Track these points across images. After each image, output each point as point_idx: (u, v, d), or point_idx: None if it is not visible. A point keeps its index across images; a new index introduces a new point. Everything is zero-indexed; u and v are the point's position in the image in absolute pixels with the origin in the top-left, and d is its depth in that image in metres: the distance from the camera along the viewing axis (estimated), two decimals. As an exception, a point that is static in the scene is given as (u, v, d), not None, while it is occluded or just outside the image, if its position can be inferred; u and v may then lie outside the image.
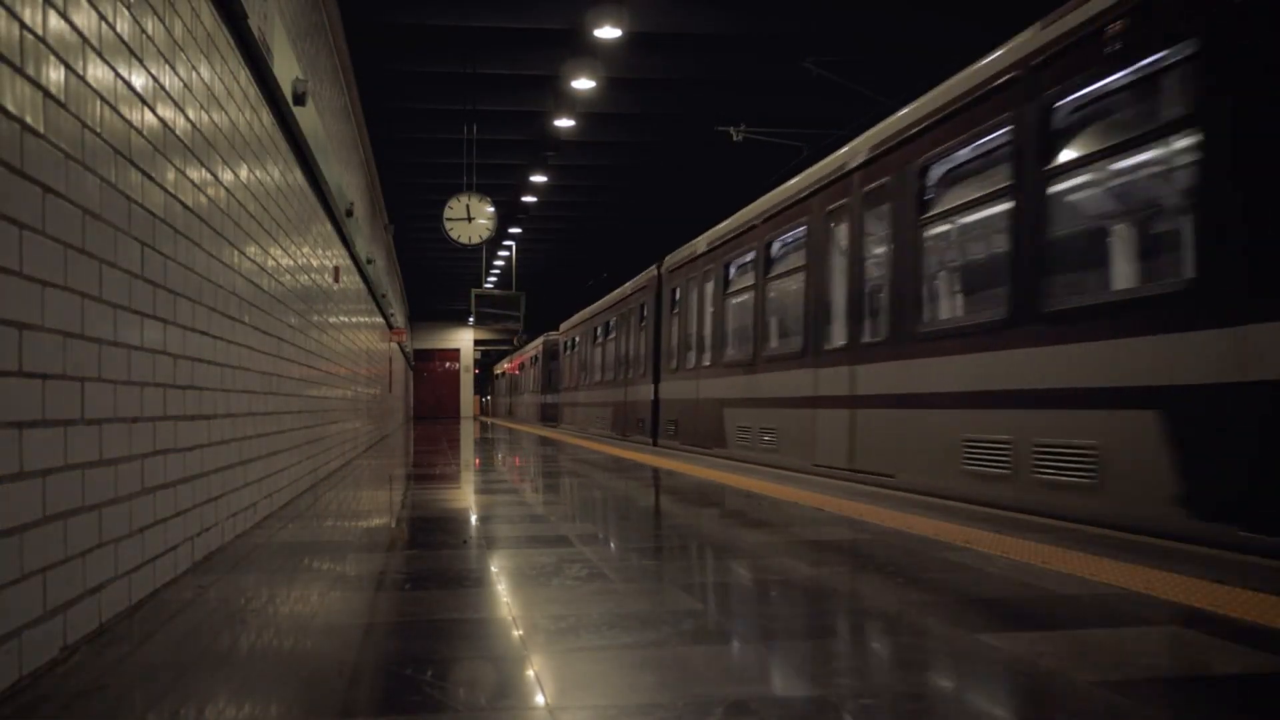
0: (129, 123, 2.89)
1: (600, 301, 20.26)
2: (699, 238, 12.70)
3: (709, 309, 11.96)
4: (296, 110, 5.78)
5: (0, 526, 2.07)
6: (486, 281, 29.27)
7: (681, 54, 13.31)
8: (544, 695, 2.10)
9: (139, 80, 2.99)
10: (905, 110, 7.17)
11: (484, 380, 60.44)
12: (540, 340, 31.36)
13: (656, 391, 14.59)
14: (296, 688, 2.19)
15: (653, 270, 15.07)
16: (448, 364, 41.42)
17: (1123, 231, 5.34)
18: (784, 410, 9.10)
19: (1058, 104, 5.31)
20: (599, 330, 19.88)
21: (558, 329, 27.54)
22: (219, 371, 3.98)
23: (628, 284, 17.23)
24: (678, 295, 13.51)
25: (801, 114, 15.25)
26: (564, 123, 15.68)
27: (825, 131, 15.34)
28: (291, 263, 6.01)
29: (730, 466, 9.04)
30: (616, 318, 17.91)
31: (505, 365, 47.15)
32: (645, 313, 15.50)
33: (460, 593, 3.19)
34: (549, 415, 28.98)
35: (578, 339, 22.78)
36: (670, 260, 14.07)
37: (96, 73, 2.62)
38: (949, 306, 6.97)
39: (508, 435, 19.37)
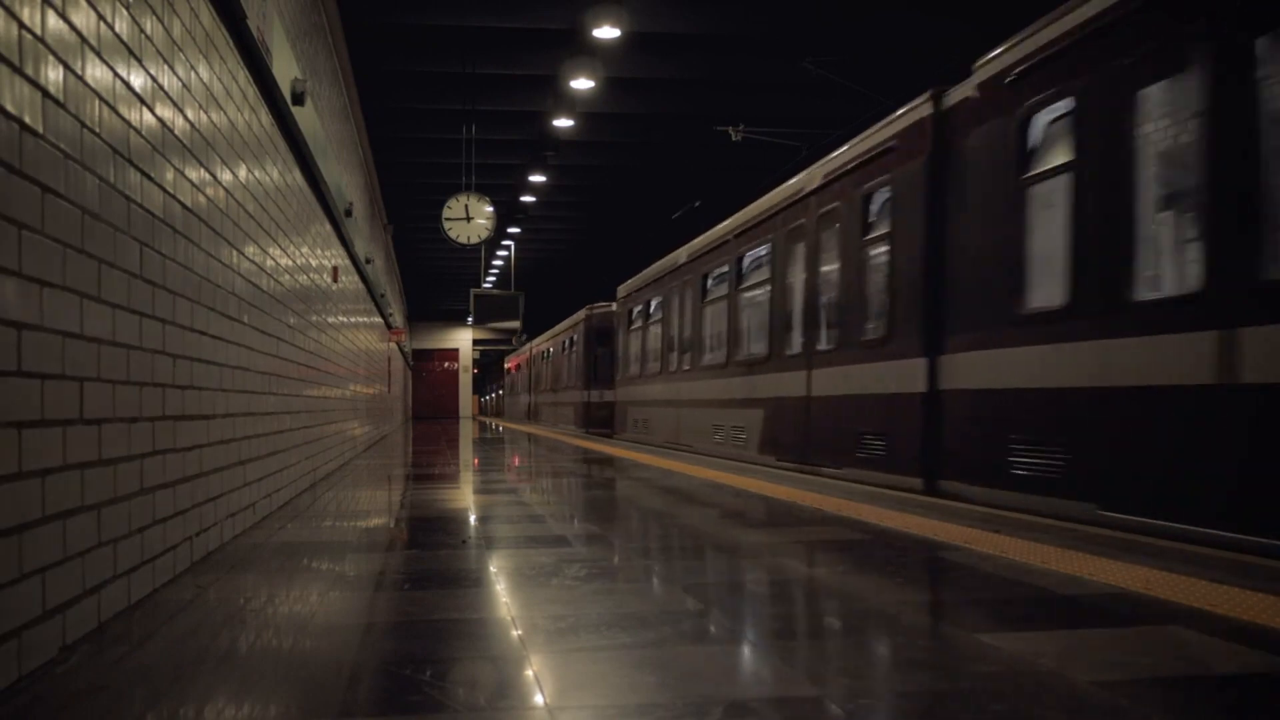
0: (128, 122, 2.89)
1: (723, 226, 12.01)
2: None
3: None
4: (295, 110, 5.78)
5: (-1, 526, 2.07)
6: (485, 281, 29.20)
7: (680, 54, 13.31)
8: (543, 695, 2.10)
9: (138, 80, 2.99)
10: None
11: (483, 380, 60.38)
12: (580, 315, 22.67)
13: (934, 375, 6.93)
14: (296, 688, 2.18)
15: (920, 111, 7.25)
16: (446, 364, 41.39)
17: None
18: None
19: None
20: (712, 281, 12.28)
21: (615, 296, 18.85)
22: (218, 371, 3.98)
23: (814, 168, 8.97)
24: (1044, 134, 5.87)
25: (800, 114, 15.25)
26: (563, 123, 15.67)
27: (824, 131, 15.35)
28: (290, 262, 6.01)
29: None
30: (777, 242, 9.83)
31: (518, 358, 38.21)
32: (880, 213, 7.75)
33: (459, 592, 3.19)
34: (596, 420, 21.15)
35: (658, 303, 14.85)
36: (993, 67, 6.31)
37: (95, 73, 2.62)
38: None
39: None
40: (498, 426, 27.04)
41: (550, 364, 27.92)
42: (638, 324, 16.56)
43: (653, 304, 15.46)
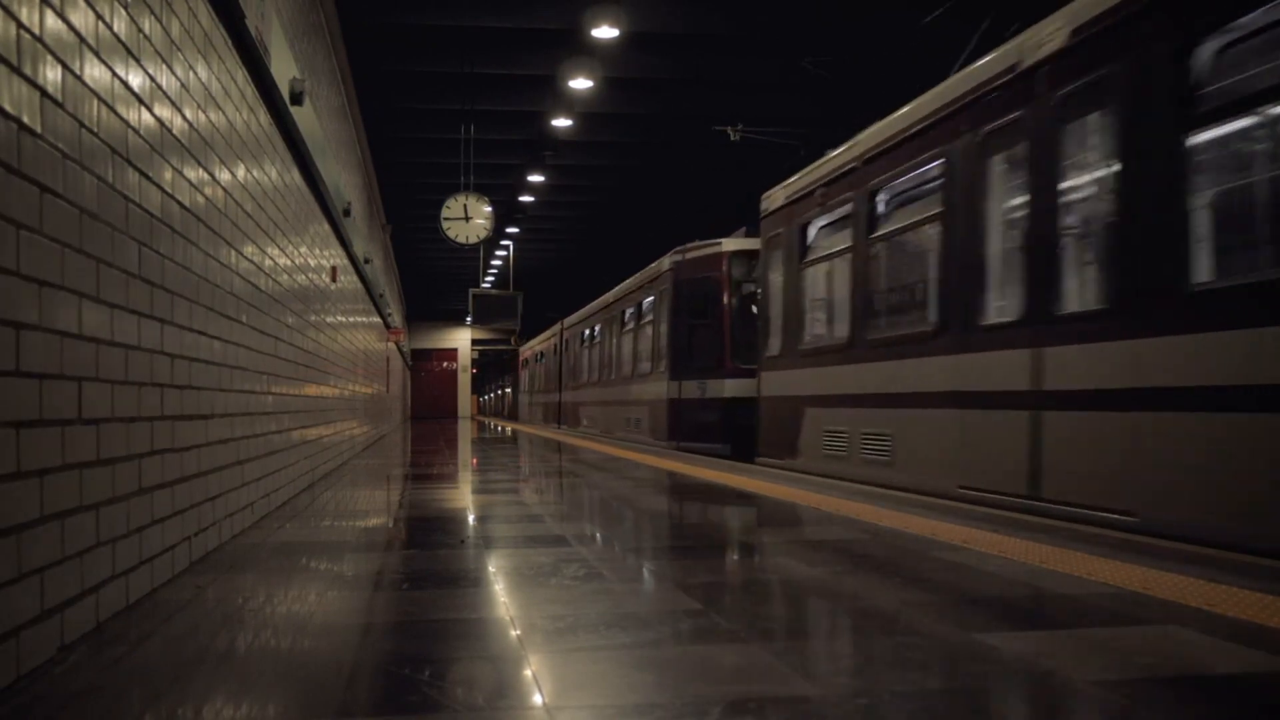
0: (126, 122, 2.89)
1: None
2: None
3: None
4: (294, 110, 5.77)
5: (-3, 526, 2.07)
6: (484, 281, 29.12)
7: (678, 54, 13.31)
8: (542, 695, 2.10)
9: (136, 80, 2.98)
10: None
11: (482, 379, 60.38)
12: (660, 267, 14.74)
13: None
14: (294, 688, 2.18)
15: None
16: (445, 364, 41.39)
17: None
18: None
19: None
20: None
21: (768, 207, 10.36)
22: (216, 371, 3.98)
23: None
24: None
25: (799, 113, 15.26)
26: (561, 122, 15.67)
27: (824, 131, 15.35)
28: (289, 262, 6.01)
29: None
30: None
31: (540, 346, 30.08)
32: None
33: (458, 592, 3.18)
34: (694, 427, 13.15)
35: (934, 188, 6.94)
36: None
37: (94, 72, 2.62)
38: None
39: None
40: (502, 428, 26.74)
41: (595, 349, 19.95)
42: (833, 248, 8.51)
43: (894, 195, 7.60)
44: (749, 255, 12.57)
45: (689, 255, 13.77)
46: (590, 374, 20.77)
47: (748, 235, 12.95)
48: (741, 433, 11.67)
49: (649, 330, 15.43)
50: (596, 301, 20.71)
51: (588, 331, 21.27)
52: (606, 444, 13.98)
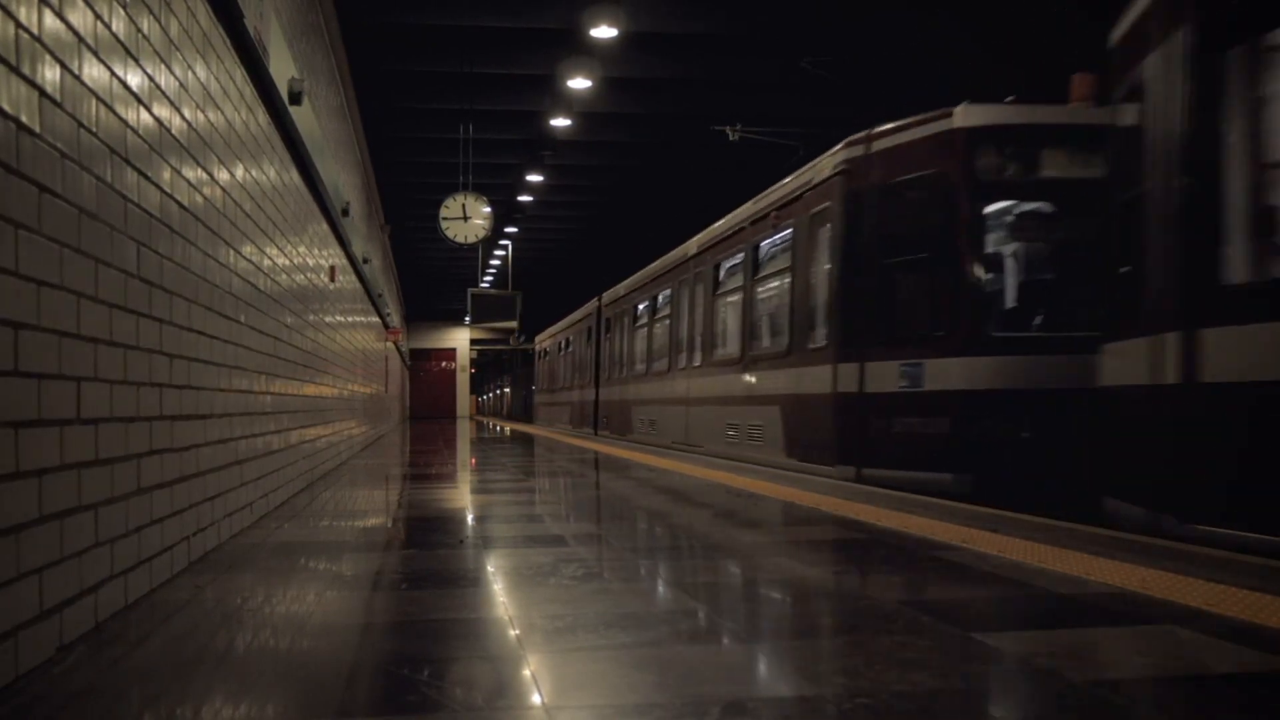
0: (125, 122, 2.88)
1: None
2: None
3: None
4: (293, 110, 5.77)
5: (-4, 526, 2.06)
6: (483, 281, 29.12)
7: (677, 53, 13.31)
8: (541, 695, 2.10)
9: (135, 80, 2.98)
10: None
11: (480, 379, 60.39)
12: (818, 171, 8.50)
13: None
14: (293, 688, 2.18)
15: None
16: (444, 363, 41.38)
17: None
18: None
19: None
20: None
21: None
22: (215, 371, 3.97)
23: None
24: None
25: (798, 113, 15.27)
26: (560, 122, 15.68)
27: (822, 131, 15.35)
28: (288, 262, 6.00)
29: None
30: None
31: (565, 332, 24.13)
32: None
33: (457, 592, 3.18)
34: (882, 444, 7.42)
35: None
36: None
37: (92, 72, 2.62)
38: None
39: None
40: (502, 428, 26.62)
41: (660, 326, 14.65)
42: None
43: None
44: (1011, 134, 7.16)
45: (877, 146, 7.86)
46: (652, 361, 14.92)
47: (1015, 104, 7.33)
48: (995, 456, 6.73)
49: (780, 283, 9.72)
50: (668, 257, 14.38)
51: (646, 304, 15.42)
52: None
